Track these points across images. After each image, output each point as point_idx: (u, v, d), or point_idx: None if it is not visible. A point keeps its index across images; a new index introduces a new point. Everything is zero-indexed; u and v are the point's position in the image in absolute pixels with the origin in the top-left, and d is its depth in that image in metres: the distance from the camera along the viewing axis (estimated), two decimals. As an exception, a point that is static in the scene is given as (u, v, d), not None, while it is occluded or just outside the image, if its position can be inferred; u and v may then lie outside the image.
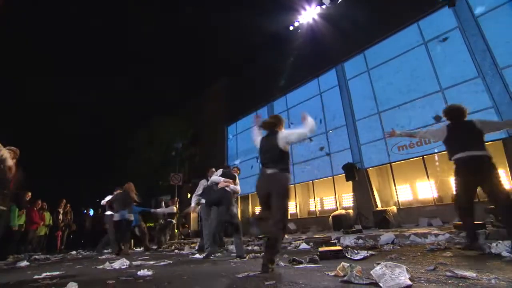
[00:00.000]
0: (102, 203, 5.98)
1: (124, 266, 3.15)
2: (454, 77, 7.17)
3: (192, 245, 6.27)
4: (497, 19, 6.66)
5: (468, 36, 7.02)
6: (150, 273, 2.48)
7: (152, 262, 3.51)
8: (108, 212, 5.65)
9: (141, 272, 2.49)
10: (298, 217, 10.66)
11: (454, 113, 2.86)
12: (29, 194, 6.41)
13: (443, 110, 3.04)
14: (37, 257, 5.59)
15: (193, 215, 13.48)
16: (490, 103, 6.43)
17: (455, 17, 7.35)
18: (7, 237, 5.69)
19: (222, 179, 3.95)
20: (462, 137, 2.67)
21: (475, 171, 2.52)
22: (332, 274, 1.92)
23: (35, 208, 7.07)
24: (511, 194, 2.49)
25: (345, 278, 1.72)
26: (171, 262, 3.53)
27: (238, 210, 5.13)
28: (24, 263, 4.37)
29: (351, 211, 8.29)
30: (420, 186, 7.72)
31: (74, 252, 6.81)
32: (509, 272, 1.73)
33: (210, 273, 2.44)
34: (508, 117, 6.10)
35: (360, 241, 4.46)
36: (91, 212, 11.53)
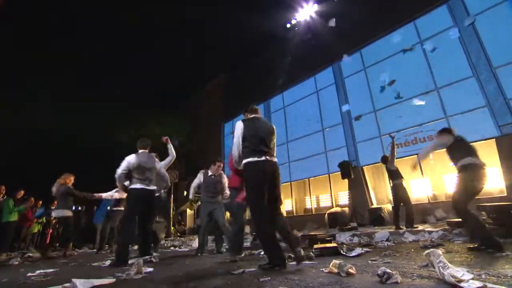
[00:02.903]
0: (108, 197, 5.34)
1: (120, 263, 3.13)
2: (449, 77, 7.24)
3: (190, 241, 6.26)
4: (492, 19, 6.72)
5: (463, 36, 7.08)
6: (146, 270, 2.47)
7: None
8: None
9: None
10: (294, 214, 10.72)
11: (383, 160, 5.37)
12: (22, 192, 6.31)
13: (381, 157, 5.57)
14: (30, 254, 5.53)
15: (189, 212, 13.47)
16: (484, 102, 6.52)
17: (451, 17, 7.40)
18: (0, 235, 5.62)
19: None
20: (390, 174, 5.25)
21: (398, 189, 5.08)
22: (327, 270, 1.94)
23: (28, 206, 6.98)
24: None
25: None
26: (167, 258, 3.53)
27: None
28: (18, 260, 4.33)
29: (346, 208, 8.36)
30: (415, 184, 7.81)
31: (69, 250, 6.75)
32: (499, 268, 1.76)
33: (206, 270, 2.44)
34: (501, 116, 6.20)
35: (355, 238, 4.50)
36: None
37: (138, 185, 3.31)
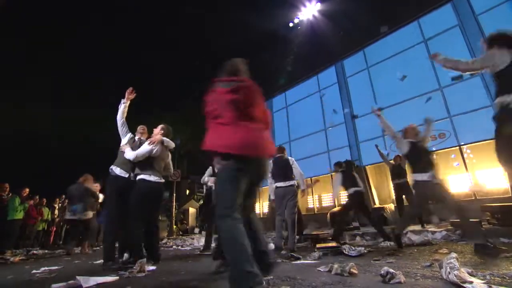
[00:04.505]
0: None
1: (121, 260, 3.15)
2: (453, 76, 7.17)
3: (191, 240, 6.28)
4: (496, 18, 6.65)
5: (468, 35, 7.01)
6: (148, 268, 2.48)
7: (150, 258, 3.51)
8: None
9: (139, 267, 2.49)
10: (296, 214, 10.71)
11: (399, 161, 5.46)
12: (27, 190, 6.37)
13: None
14: (35, 252, 5.58)
15: (192, 211, 13.51)
16: (489, 102, 6.45)
17: (455, 15, 7.33)
18: (6, 232, 5.67)
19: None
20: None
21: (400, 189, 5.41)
22: (329, 270, 1.94)
23: (32, 204, 7.06)
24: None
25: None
26: (169, 257, 3.54)
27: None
28: (22, 257, 4.37)
29: (348, 208, 8.32)
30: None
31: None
32: (504, 269, 1.75)
33: (208, 268, 2.45)
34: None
35: (358, 238, 4.49)
36: None
37: (152, 177, 2.93)
